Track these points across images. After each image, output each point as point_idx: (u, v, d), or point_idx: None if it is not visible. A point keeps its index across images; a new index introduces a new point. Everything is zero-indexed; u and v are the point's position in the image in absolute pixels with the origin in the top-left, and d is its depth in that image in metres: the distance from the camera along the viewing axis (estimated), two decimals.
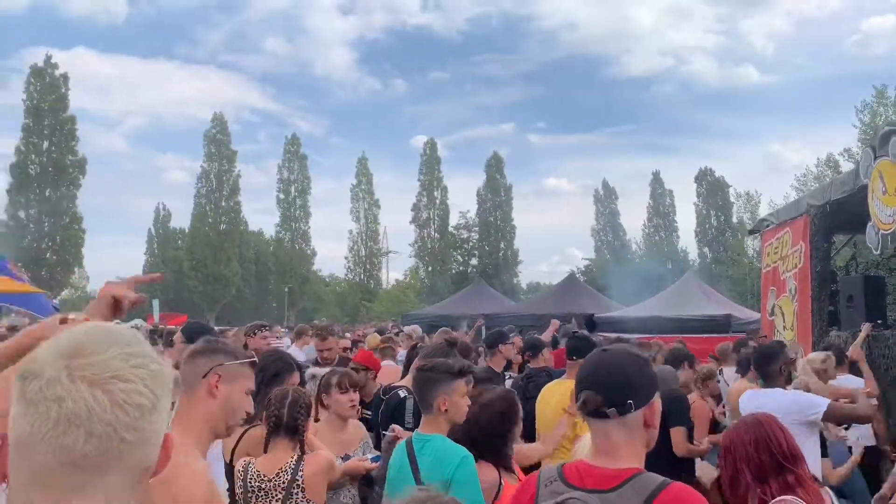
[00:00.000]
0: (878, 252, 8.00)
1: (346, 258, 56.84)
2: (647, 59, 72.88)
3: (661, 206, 52.36)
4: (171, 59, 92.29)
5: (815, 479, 2.43)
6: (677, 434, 4.71)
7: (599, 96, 74.88)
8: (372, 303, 46.91)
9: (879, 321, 8.22)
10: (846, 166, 25.92)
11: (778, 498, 2.20)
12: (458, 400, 2.72)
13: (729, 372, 6.75)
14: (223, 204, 53.18)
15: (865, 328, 7.75)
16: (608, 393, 1.60)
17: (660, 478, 1.55)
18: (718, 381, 6.58)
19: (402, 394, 4.11)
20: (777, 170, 62.09)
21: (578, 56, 75.67)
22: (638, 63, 74.34)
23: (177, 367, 4.54)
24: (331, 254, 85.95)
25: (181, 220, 58.05)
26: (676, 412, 4.76)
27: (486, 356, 5.60)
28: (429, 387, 2.71)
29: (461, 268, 54.23)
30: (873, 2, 55.29)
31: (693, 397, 5.57)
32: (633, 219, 77.11)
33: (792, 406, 4.02)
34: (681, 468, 4.64)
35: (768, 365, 4.24)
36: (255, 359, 2.26)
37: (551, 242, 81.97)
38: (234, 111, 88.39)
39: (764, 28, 65.20)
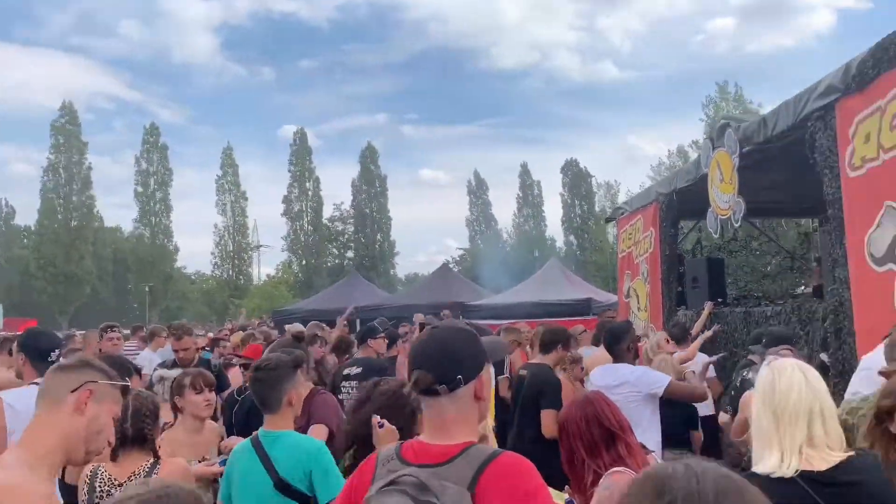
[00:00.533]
0: (718, 236, 8.70)
1: (212, 254, 54.46)
2: (515, 53, 75.08)
3: (530, 197, 54.19)
4: (10, 42, 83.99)
5: (643, 447, 2.59)
6: (548, 416, 4.82)
7: (469, 88, 76.21)
8: (242, 300, 45.29)
9: (720, 300, 8.98)
10: (695, 157, 28.00)
11: (610, 470, 2.33)
12: (301, 392, 2.68)
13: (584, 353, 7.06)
14: (74, 199, 49.37)
15: (708, 306, 8.45)
16: (437, 370, 1.61)
17: (491, 448, 1.59)
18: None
19: None
20: (635, 160, 66.29)
21: (448, 48, 76.50)
22: (506, 56, 76.31)
23: (18, 375, 4.14)
24: (196, 250, 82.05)
25: (27, 216, 53.41)
26: (549, 394, 4.88)
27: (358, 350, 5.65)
28: (274, 384, 2.63)
29: (337, 261, 53.58)
30: (716, 4, 59.98)
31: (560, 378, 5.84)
32: (505, 209, 79.48)
33: (641, 379, 4.30)
34: (551, 451, 4.75)
35: (617, 343, 4.49)
36: (129, 384, 2.09)
37: (428, 233, 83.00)
38: (85, 98, 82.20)
39: (621, 26, 68.84)
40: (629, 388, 4.12)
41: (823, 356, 6.01)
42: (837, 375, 5.68)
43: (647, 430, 3.90)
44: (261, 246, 54.50)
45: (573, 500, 2.48)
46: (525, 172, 54.27)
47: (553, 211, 53.78)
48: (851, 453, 1.92)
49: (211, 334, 9.75)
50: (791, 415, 1.91)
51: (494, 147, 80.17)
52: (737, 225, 7.91)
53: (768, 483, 1.87)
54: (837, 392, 4.86)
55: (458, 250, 51.93)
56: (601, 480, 2.32)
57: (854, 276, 5.55)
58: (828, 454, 1.89)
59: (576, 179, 50.71)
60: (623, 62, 69.78)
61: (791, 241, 13.91)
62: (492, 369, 1.78)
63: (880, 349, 4.46)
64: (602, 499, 2.28)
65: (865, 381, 4.07)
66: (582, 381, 6.08)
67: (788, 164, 7.10)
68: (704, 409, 5.92)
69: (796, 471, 1.86)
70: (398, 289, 43.42)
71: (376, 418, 2.44)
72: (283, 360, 2.75)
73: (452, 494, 1.46)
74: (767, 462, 1.92)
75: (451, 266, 29.85)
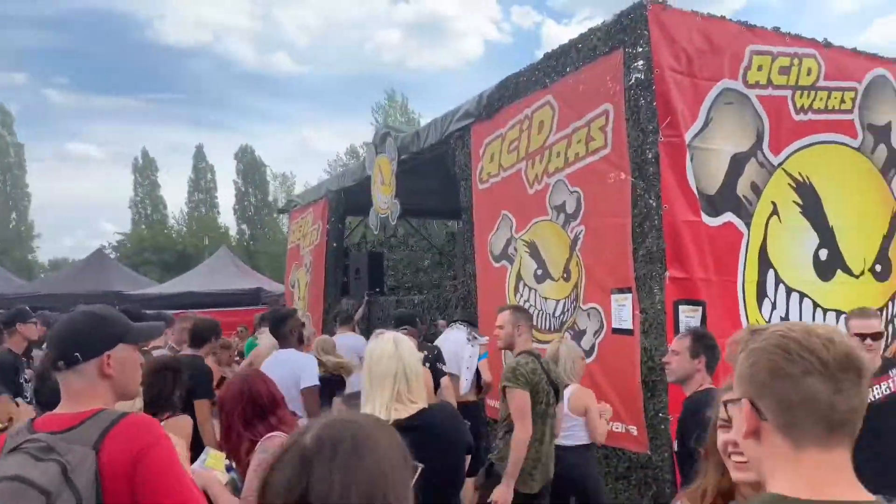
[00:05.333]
0: (377, 232, 9.59)
1: None
2: (184, 30, 69.13)
3: (203, 181, 51.57)
4: None
5: (295, 414, 2.96)
6: (201, 406, 4.92)
7: (132, 59, 68.42)
8: None
9: (377, 289, 9.92)
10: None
11: (266, 436, 2.64)
12: None
13: (264, 339, 7.21)
14: None
15: (367, 296, 9.30)
16: (59, 347, 1.82)
17: (119, 411, 1.78)
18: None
19: None
20: (309, 154, 66.78)
21: (106, 11, 67.50)
22: (173, 32, 69.83)
23: None
24: None
25: None
26: (203, 384, 4.99)
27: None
28: None
29: None
30: (384, 16, 63.41)
31: (210, 362, 5.99)
32: (175, 192, 74.24)
33: (304, 365, 4.67)
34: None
35: (280, 328, 4.81)
36: None
37: (80, 214, 72.74)
38: None
39: (298, 20, 68.72)
40: (298, 371, 4.52)
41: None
42: None
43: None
44: None
45: (232, 464, 2.72)
46: (199, 155, 51.42)
47: (226, 197, 51.93)
48: (425, 406, 2.49)
49: None
50: (381, 376, 2.46)
51: (161, 125, 73.68)
52: (393, 223, 8.86)
53: None
54: None
55: (116, 235, 47.00)
56: (257, 446, 2.61)
57: (479, 270, 6.72)
58: (409, 406, 2.45)
59: (250, 167, 49.72)
60: (299, 56, 69.70)
61: (441, 240, 15.77)
62: None
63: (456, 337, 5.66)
64: (261, 460, 2.57)
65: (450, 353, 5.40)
66: (230, 365, 6.30)
67: (437, 173, 8.20)
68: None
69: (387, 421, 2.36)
70: (41, 276, 37.90)
71: None
72: None
73: (77, 454, 1.63)
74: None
75: (107, 252, 27.11)
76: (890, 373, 3.57)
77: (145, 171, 50.47)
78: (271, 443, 2.63)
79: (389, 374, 2.43)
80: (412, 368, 2.48)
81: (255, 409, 2.68)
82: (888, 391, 3.52)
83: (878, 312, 3.91)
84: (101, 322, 1.87)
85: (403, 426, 2.33)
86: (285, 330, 4.77)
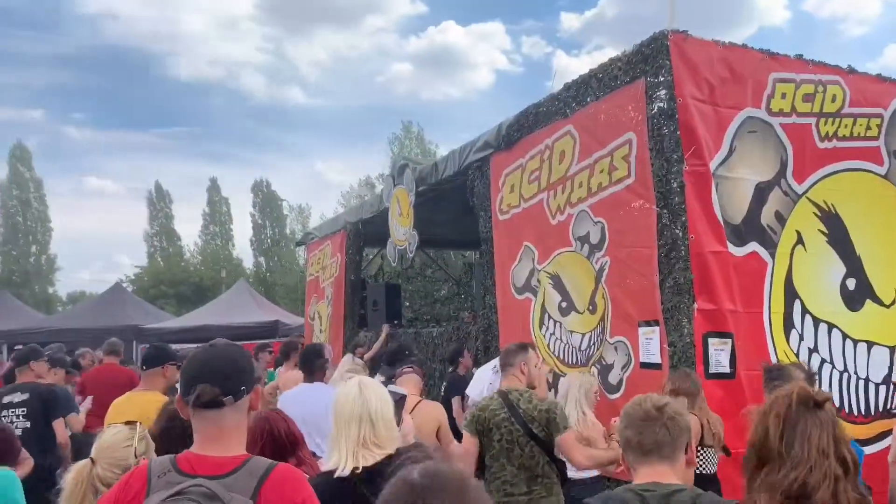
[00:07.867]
0: (395, 264, 9.56)
1: None
2: (197, 66, 69.86)
3: (218, 214, 51.98)
4: None
5: (314, 454, 2.89)
6: None
7: (147, 94, 69.22)
8: None
9: (396, 322, 9.85)
10: (380, 189, 29.78)
11: None
12: None
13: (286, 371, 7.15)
14: None
15: (385, 328, 9.22)
16: (224, 382, 1.71)
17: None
18: None
19: None
20: (323, 186, 67.10)
21: (122, 48, 67.90)
22: (187, 68, 70.54)
23: None
24: None
25: None
26: None
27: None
28: None
29: None
30: (394, 49, 64.36)
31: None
32: (190, 225, 74.69)
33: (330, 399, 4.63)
34: None
35: (312, 363, 4.80)
36: None
37: (96, 247, 73.19)
38: None
39: (308, 56, 69.61)
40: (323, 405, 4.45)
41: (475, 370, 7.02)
42: None
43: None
44: None
45: None
46: (214, 188, 51.83)
47: (242, 230, 52.10)
48: (392, 452, 2.29)
49: None
50: (345, 421, 2.32)
51: (178, 159, 74.42)
52: (411, 255, 8.83)
53: (328, 480, 2.24)
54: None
55: (133, 268, 47.27)
56: None
57: (500, 302, 6.64)
58: (376, 452, 2.28)
59: (267, 200, 50.10)
60: (311, 90, 70.25)
61: (458, 270, 15.71)
62: None
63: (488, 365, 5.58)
64: None
65: (476, 383, 5.56)
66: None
67: (455, 204, 8.16)
68: None
69: (353, 469, 2.23)
70: (58, 310, 38.15)
71: None
72: None
73: None
74: (331, 460, 2.31)
75: (124, 285, 27.27)
76: None
77: (159, 203, 50.99)
78: None
79: (354, 418, 2.31)
80: (378, 413, 2.33)
81: (274, 449, 2.61)
82: None
83: None
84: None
85: (365, 476, 2.22)
86: (316, 365, 4.76)
